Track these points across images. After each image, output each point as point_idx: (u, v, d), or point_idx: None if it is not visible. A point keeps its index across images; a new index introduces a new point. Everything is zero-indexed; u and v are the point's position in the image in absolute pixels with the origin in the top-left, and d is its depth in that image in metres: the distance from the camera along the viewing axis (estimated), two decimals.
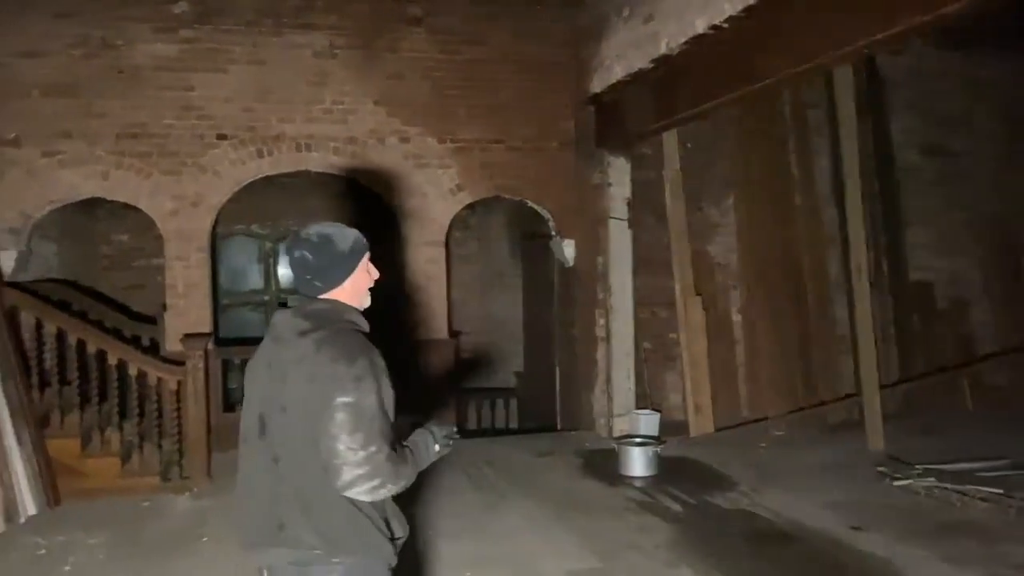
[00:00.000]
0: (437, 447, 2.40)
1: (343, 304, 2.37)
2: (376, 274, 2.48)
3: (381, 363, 2.25)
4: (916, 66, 8.92)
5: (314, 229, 2.38)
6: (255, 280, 10.95)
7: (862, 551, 4.77)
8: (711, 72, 6.26)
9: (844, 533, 5.06)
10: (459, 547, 4.95)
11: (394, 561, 2.36)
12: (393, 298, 9.22)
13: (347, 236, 2.40)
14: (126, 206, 7.83)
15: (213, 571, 4.66)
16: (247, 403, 2.38)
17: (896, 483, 5.96)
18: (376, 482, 2.14)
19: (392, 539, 2.33)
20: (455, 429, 2.48)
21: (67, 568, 4.80)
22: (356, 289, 2.41)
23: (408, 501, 5.71)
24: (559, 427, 8.94)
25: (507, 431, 9.99)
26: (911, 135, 9.07)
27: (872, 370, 7.20)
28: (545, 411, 9.44)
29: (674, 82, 6.69)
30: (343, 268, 2.37)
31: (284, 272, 11.08)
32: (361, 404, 2.14)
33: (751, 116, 8.39)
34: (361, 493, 2.15)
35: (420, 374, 8.04)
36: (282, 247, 10.69)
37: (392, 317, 9.18)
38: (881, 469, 6.28)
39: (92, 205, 8.71)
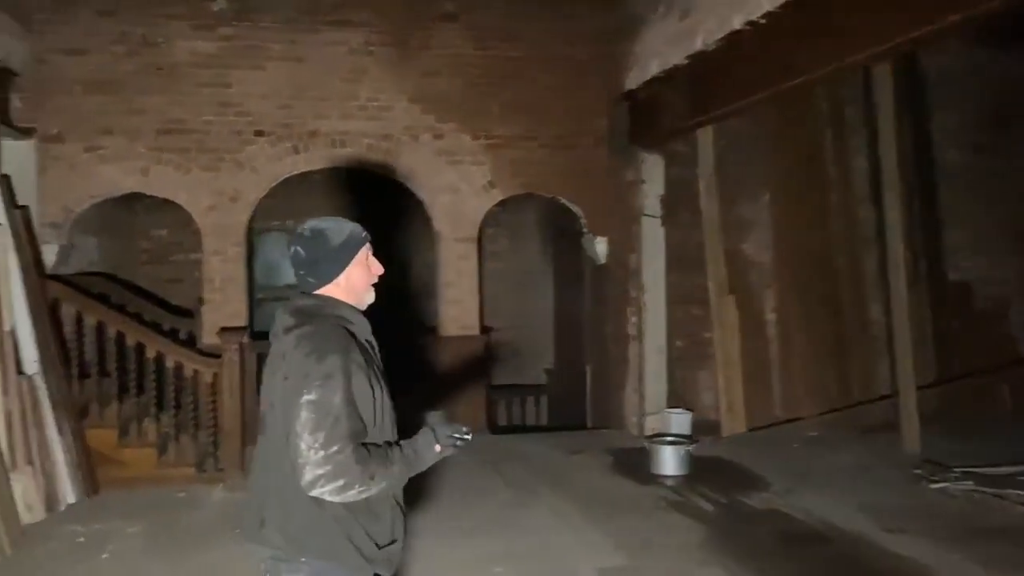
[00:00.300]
0: (438, 447, 2.30)
1: (334, 300, 2.31)
2: (379, 269, 2.41)
3: (359, 359, 2.18)
4: (955, 64, 8.75)
5: (310, 224, 2.34)
6: (289, 275, 11.03)
7: (897, 554, 4.71)
8: (748, 68, 6.20)
9: (879, 536, 5.00)
10: (489, 543, 4.98)
11: (370, 571, 2.25)
12: (422, 294, 9.28)
13: (342, 230, 2.33)
14: (165, 201, 7.95)
15: (247, 563, 4.70)
16: (260, 400, 2.39)
17: (933, 486, 5.88)
18: (340, 483, 2.05)
19: (374, 547, 2.23)
20: (465, 430, 2.36)
21: (105, 556, 4.89)
22: (352, 285, 2.34)
23: (435, 496, 5.78)
24: (590, 425, 8.93)
25: (537, 428, 10.01)
26: (950, 134, 8.90)
27: (909, 370, 7.10)
28: (575, 409, 9.42)
29: (710, 78, 6.64)
30: (336, 263, 2.31)
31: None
32: (325, 402, 2.07)
33: (787, 113, 8.30)
34: (326, 494, 2.07)
35: (450, 370, 8.08)
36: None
37: (422, 313, 9.24)
38: (917, 471, 6.20)
39: (131, 200, 8.86)
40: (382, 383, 2.31)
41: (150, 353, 6.45)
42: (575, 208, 8.45)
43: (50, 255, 7.11)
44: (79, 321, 6.45)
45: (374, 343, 2.38)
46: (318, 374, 2.09)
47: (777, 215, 8.44)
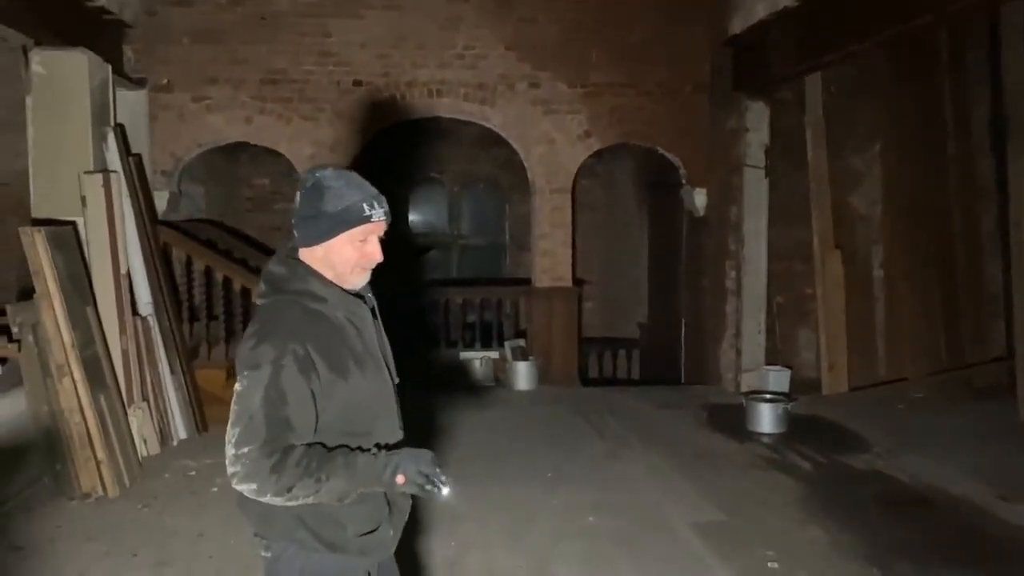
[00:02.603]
0: (400, 478, 1.90)
1: (305, 270, 2.00)
2: (376, 256, 2.05)
3: (299, 350, 1.87)
4: None
5: (319, 173, 2.03)
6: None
7: (1009, 522, 4.50)
8: (864, 9, 5.88)
9: (990, 502, 4.78)
10: (581, 492, 4.99)
11: (339, 558, 2.02)
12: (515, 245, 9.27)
13: (344, 197, 1.97)
14: (266, 151, 8.14)
15: None
16: None
17: None
18: (253, 486, 1.84)
19: (342, 533, 2.00)
20: (443, 479, 1.93)
21: (215, 489, 5.13)
22: (331, 261, 2.00)
23: (527, 443, 5.82)
24: (683, 380, 8.83)
25: (629, 382, 9.95)
26: None
27: None
28: (668, 363, 9.32)
29: (823, 22, 6.32)
30: (319, 230, 1.98)
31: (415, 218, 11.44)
32: (246, 395, 1.86)
33: (902, 58, 7.84)
34: (246, 493, 1.88)
35: (543, 321, 8.08)
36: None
37: (517, 263, 9.25)
38: None
39: (235, 149, 9.12)
40: (362, 370, 2.01)
41: (256, 297, 6.65)
42: (674, 158, 8.24)
43: (160, 202, 7.38)
44: (189, 265, 6.71)
45: (362, 318, 2.06)
46: (247, 362, 1.89)
47: (888, 167, 8.03)
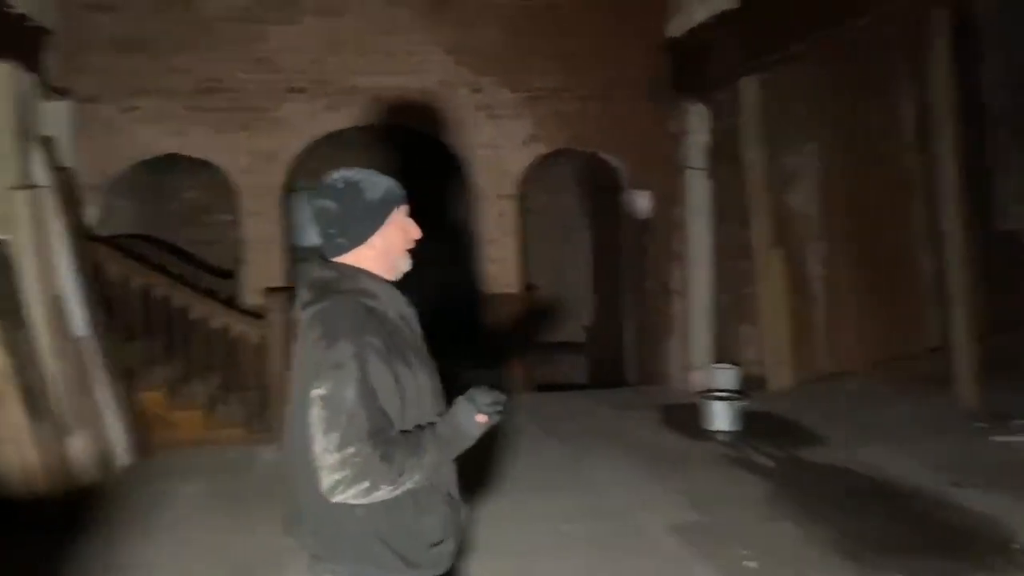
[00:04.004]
0: (481, 417, 1.97)
1: (354, 270, 2.01)
2: (416, 232, 2.11)
3: (375, 342, 1.88)
4: (1007, 7, 8.44)
5: (339, 174, 2.03)
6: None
7: (967, 509, 4.60)
8: (801, 13, 6.01)
9: (947, 491, 4.89)
10: (551, 500, 4.94)
11: (421, 571, 1.99)
12: (463, 253, 9.17)
13: (378, 184, 2.03)
14: (194, 163, 7.86)
15: None
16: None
17: (996, 439, 5.77)
18: (364, 485, 1.81)
19: (420, 548, 1.97)
20: (503, 396, 2.03)
21: (170, 515, 4.88)
22: (388, 249, 2.04)
23: (490, 454, 5.73)
24: (630, 382, 8.86)
25: (577, 386, 9.95)
26: (999, 79, 8.64)
27: (965, 321, 6.93)
28: (615, 365, 9.36)
29: (760, 25, 6.46)
30: (371, 221, 2.01)
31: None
32: (336, 397, 1.82)
33: (834, 60, 8.04)
34: (351, 498, 1.82)
35: (491, 329, 8.01)
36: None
37: (464, 271, 9.15)
38: (980, 425, 6.08)
39: (162, 162, 8.76)
40: (419, 361, 2.03)
41: (196, 314, 6.41)
42: (616, 162, 8.28)
43: (90, 217, 7.04)
44: (125, 283, 6.40)
45: (410, 316, 2.10)
46: (328, 364, 1.84)
47: (823, 165, 8.24)
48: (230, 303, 7.54)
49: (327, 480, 1.81)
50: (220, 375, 6.65)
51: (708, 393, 6.82)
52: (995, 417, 6.25)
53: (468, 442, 2.00)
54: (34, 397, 4.93)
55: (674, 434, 6.41)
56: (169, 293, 6.43)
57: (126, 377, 6.24)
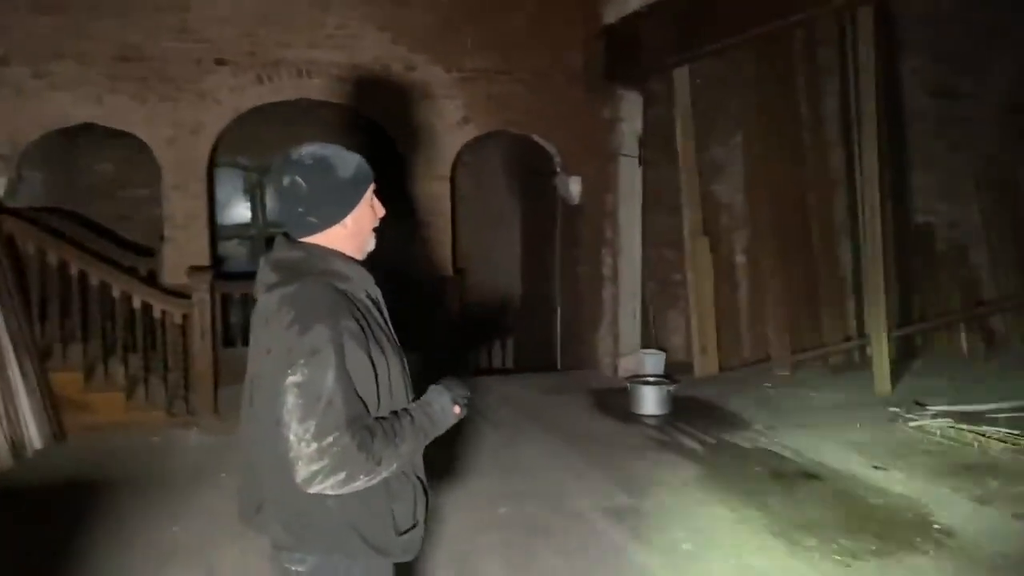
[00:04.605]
0: (457, 409, 2.02)
1: (323, 250, 1.93)
2: (382, 211, 2.06)
3: (351, 326, 1.81)
4: (927, 7, 8.76)
5: (307, 150, 1.94)
6: (241, 213, 10.68)
7: (888, 490, 4.79)
8: (735, 6, 6.10)
9: (868, 473, 5.09)
10: (488, 482, 4.94)
11: (383, 561, 1.97)
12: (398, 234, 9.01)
13: (348, 161, 1.96)
14: (108, 133, 7.50)
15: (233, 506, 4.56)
16: (248, 360, 2.00)
17: (911, 424, 6.01)
18: (341, 475, 1.74)
19: (390, 534, 1.92)
20: (469, 390, 2.09)
21: (87, 503, 4.67)
22: (359, 229, 1.98)
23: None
24: (559, 366, 8.91)
25: (504, 370, 9.95)
26: (919, 76, 8.97)
27: (881, 313, 7.20)
28: (543, 350, 9.39)
29: (695, 16, 6.51)
30: (344, 201, 1.94)
31: (272, 205, 10.82)
32: (312, 384, 1.73)
33: (762, 54, 8.22)
34: (328, 489, 1.75)
35: (424, 312, 7.92)
36: (269, 175, 10.41)
37: (397, 253, 9.01)
38: (894, 410, 6.33)
39: (73, 133, 8.34)
40: (391, 345, 1.97)
41: (116, 292, 6.14)
42: (549, 146, 8.27)
43: None
44: (38, 258, 6.08)
45: (378, 298, 2.04)
46: (302, 349, 1.75)
47: (749, 156, 8.43)
48: (151, 281, 7.26)
49: (304, 471, 1.73)
50: (140, 356, 6.39)
51: (637, 378, 6.92)
52: (906, 403, 6.52)
53: (440, 432, 1.99)
54: None
55: (605, 418, 6.47)
56: (86, 269, 6.13)
57: (39, 357, 5.94)
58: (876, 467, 5.17)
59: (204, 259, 7.24)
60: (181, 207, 7.27)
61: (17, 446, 5.45)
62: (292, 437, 1.74)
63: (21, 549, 4.06)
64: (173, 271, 7.05)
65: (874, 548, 3.98)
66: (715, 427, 6.13)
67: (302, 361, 1.75)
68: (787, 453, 5.51)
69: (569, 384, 7.58)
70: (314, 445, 1.72)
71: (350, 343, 1.80)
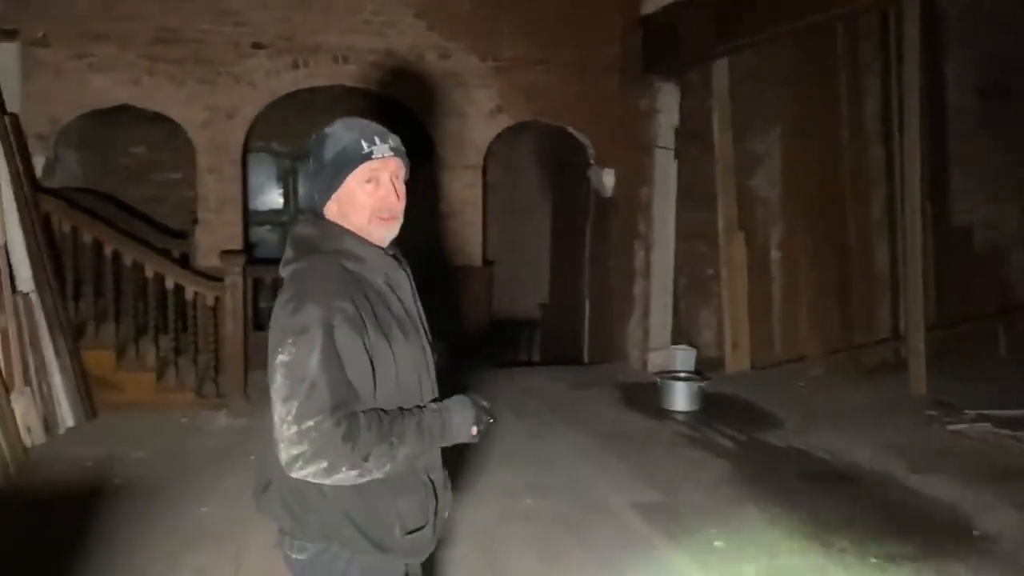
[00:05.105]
0: (474, 430, 1.86)
1: (339, 229, 1.84)
2: (390, 198, 1.86)
3: (348, 308, 1.71)
4: (972, 6, 8.56)
5: (328, 127, 1.90)
6: (274, 200, 10.71)
7: (927, 495, 4.68)
8: None
9: (904, 476, 4.98)
10: (514, 475, 4.88)
11: (383, 558, 1.83)
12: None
13: (339, 140, 1.84)
14: (145, 116, 7.54)
15: None
16: None
17: (949, 427, 5.89)
18: (323, 464, 1.63)
19: (391, 531, 1.81)
20: (492, 416, 1.94)
21: (118, 481, 4.69)
22: (344, 214, 1.85)
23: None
24: (587, 360, 8.84)
25: (531, 363, 9.91)
26: (961, 75, 8.78)
27: (919, 312, 7.07)
28: (570, 343, 9.32)
29: (736, 7, 6.39)
30: (326, 181, 1.85)
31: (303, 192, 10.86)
32: (298, 364, 1.65)
33: (803, 47, 8.07)
34: (310, 476, 1.66)
35: (452, 302, 7.89)
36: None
37: (427, 242, 9.00)
38: (931, 413, 6.21)
39: (111, 114, 8.40)
40: (404, 335, 1.84)
41: (149, 273, 6.16)
42: (583, 138, 8.18)
43: (36, 168, 6.70)
44: (75, 237, 6.12)
45: (401, 285, 1.91)
46: (292, 328, 1.68)
47: (787, 151, 8.29)
48: (184, 263, 7.29)
49: (284, 454, 1.66)
50: (172, 338, 6.41)
51: (667, 373, 6.84)
52: (947, 406, 6.39)
53: (446, 444, 1.88)
54: None
55: (633, 412, 6.40)
56: (120, 249, 6.15)
57: (74, 335, 5.99)
58: (915, 471, 5.06)
59: (237, 243, 7.26)
60: (215, 190, 7.29)
61: (50, 423, 5.49)
62: (276, 418, 1.67)
63: (51, 525, 4.08)
64: (205, 254, 7.09)
65: (911, 553, 3.89)
66: (747, 425, 6.04)
67: (290, 340, 1.68)
68: (820, 453, 5.41)
69: (597, 378, 7.52)
70: (294, 428, 1.64)
71: (343, 326, 1.70)
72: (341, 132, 1.87)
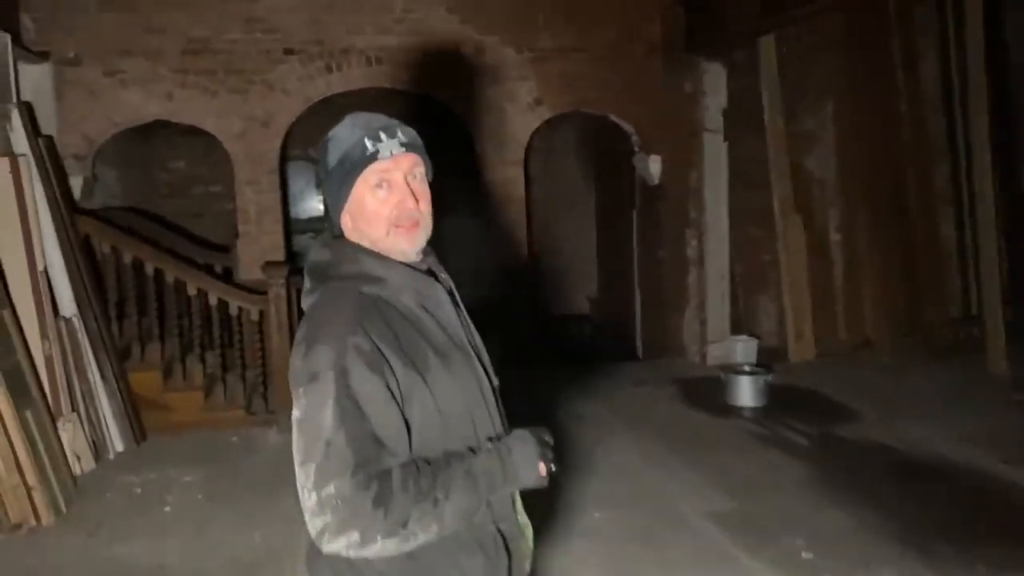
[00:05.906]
0: (543, 469, 1.56)
1: (353, 248, 1.57)
2: (407, 203, 1.56)
3: (363, 344, 1.43)
4: None
5: (336, 126, 1.66)
6: (315, 207, 10.60)
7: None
8: None
9: (996, 468, 4.64)
10: (581, 485, 4.63)
11: None
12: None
13: (342, 141, 1.58)
14: (182, 130, 7.43)
15: None
16: None
17: None
18: (354, 535, 1.37)
19: None
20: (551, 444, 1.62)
21: (167, 509, 4.56)
22: (361, 231, 1.57)
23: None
24: (640, 354, 8.56)
25: (583, 359, 9.64)
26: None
27: (995, 287, 6.67)
28: (623, 337, 9.04)
29: None
30: (333, 193, 1.59)
31: None
32: (310, 420, 1.40)
33: (853, 18, 7.66)
34: (343, 551, 1.40)
35: (500, 300, 7.66)
36: None
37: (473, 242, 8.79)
38: (1020, 398, 5.81)
39: (148, 129, 8.33)
40: (446, 364, 1.53)
41: (191, 290, 6.04)
42: (626, 125, 7.87)
43: (74, 189, 6.62)
44: (115, 258, 6.02)
45: (439, 303, 1.60)
46: (303, 376, 1.43)
47: (841, 128, 7.88)
48: (227, 278, 7.17)
49: (310, 526, 1.41)
50: (218, 354, 6.29)
51: (730, 367, 6.54)
52: None
53: (513, 489, 1.57)
54: (19, 382, 4.56)
55: (698, 411, 6.11)
56: (162, 267, 6.03)
57: (119, 358, 5.88)
58: (1007, 462, 4.71)
59: (279, 254, 7.11)
60: (254, 201, 7.14)
61: (99, 448, 5.39)
62: (298, 483, 1.42)
63: (99, 560, 3.95)
64: (248, 267, 6.95)
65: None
66: (819, 419, 5.72)
67: (302, 390, 1.43)
68: (901, 447, 5.08)
69: (654, 374, 7.23)
70: (315, 496, 1.38)
71: (358, 367, 1.41)
72: (344, 132, 1.60)
